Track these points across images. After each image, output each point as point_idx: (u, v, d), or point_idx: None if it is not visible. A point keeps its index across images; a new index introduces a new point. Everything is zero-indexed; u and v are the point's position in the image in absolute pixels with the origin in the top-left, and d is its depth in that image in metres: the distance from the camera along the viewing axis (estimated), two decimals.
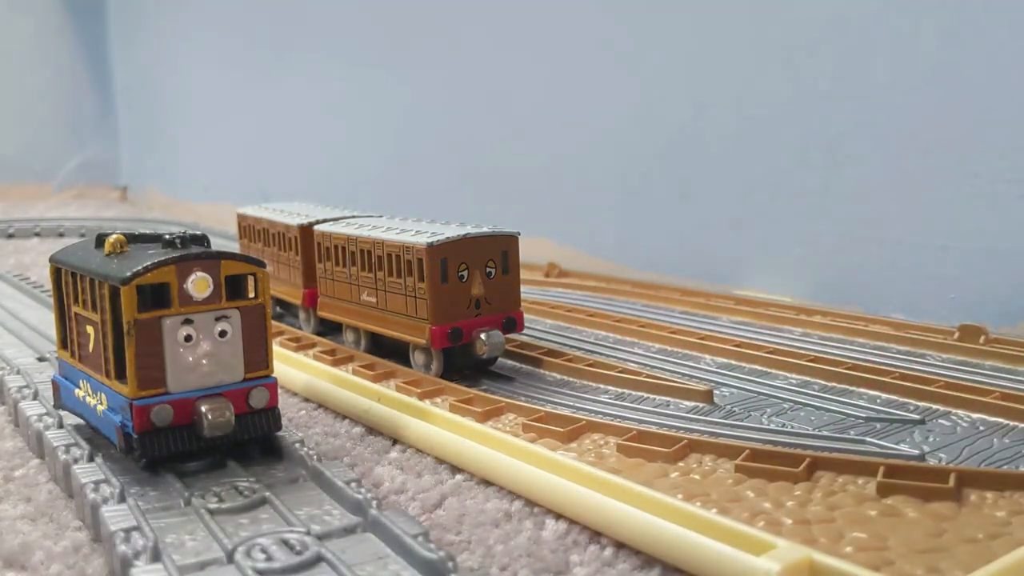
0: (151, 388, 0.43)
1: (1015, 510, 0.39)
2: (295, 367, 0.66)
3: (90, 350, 0.47)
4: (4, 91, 2.29)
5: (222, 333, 0.44)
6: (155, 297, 0.43)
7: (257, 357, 0.46)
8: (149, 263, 0.43)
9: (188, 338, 0.44)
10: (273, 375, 0.47)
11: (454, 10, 1.20)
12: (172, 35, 2.01)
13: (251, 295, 0.46)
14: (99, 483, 0.43)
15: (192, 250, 0.44)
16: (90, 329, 0.46)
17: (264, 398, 0.46)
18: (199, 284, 0.43)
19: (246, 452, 0.47)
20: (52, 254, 0.51)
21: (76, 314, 0.48)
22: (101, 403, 0.46)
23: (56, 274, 0.50)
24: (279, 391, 0.48)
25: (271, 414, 0.46)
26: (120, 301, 0.42)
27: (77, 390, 0.49)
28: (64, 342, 0.51)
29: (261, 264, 0.46)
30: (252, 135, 1.74)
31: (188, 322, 0.43)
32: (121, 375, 0.44)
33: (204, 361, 0.44)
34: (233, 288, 0.45)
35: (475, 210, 1.17)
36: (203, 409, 0.43)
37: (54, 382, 0.53)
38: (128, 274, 0.42)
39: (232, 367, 0.45)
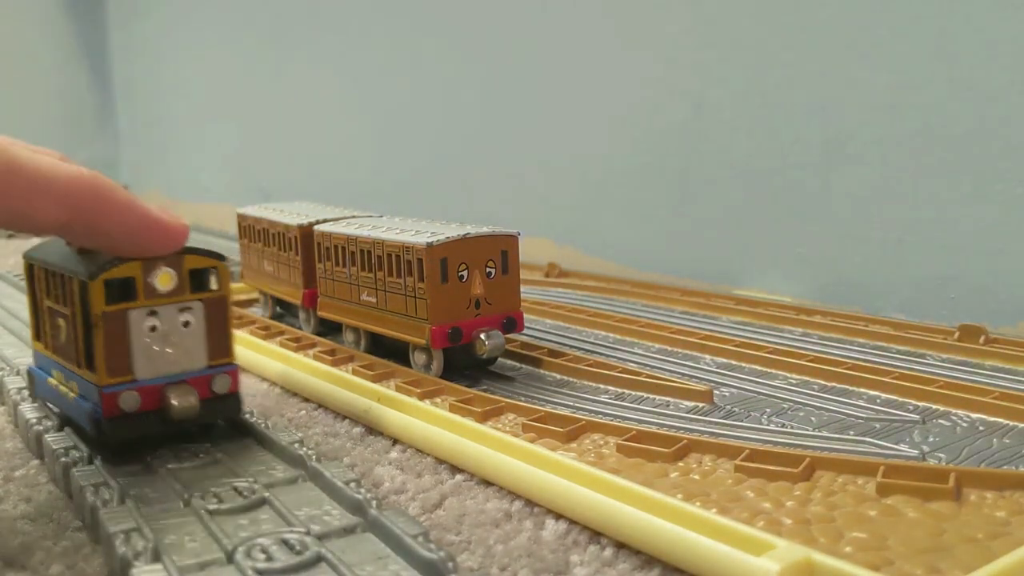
0: (119, 376, 0.45)
1: (1015, 510, 0.39)
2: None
3: (62, 341, 0.49)
4: (4, 91, 2.28)
5: (186, 323, 0.47)
6: (122, 291, 0.45)
7: (219, 345, 0.48)
8: (115, 259, 0.45)
9: (153, 328, 0.46)
10: (235, 362, 0.49)
11: (455, 10, 1.20)
12: (172, 35, 2.01)
13: (214, 287, 0.48)
14: (99, 485, 0.43)
15: None
16: (62, 321, 0.48)
17: (226, 384, 0.48)
18: (163, 278, 0.46)
19: (245, 452, 0.47)
20: (26, 251, 0.53)
21: (48, 307, 0.50)
22: (73, 391, 0.48)
23: (29, 270, 0.52)
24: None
25: (233, 399, 0.49)
26: (89, 295, 0.44)
27: (51, 379, 0.51)
28: (38, 334, 0.52)
29: (222, 258, 0.48)
30: (253, 135, 1.74)
31: (153, 314, 0.46)
32: (91, 364, 0.46)
33: (169, 350, 0.46)
34: (197, 281, 0.47)
35: (475, 210, 1.17)
36: (169, 396, 0.46)
37: (29, 372, 0.54)
38: (95, 269, 0.44)
39: (196, 355, 0.47)
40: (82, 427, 0.48)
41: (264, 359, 0.69)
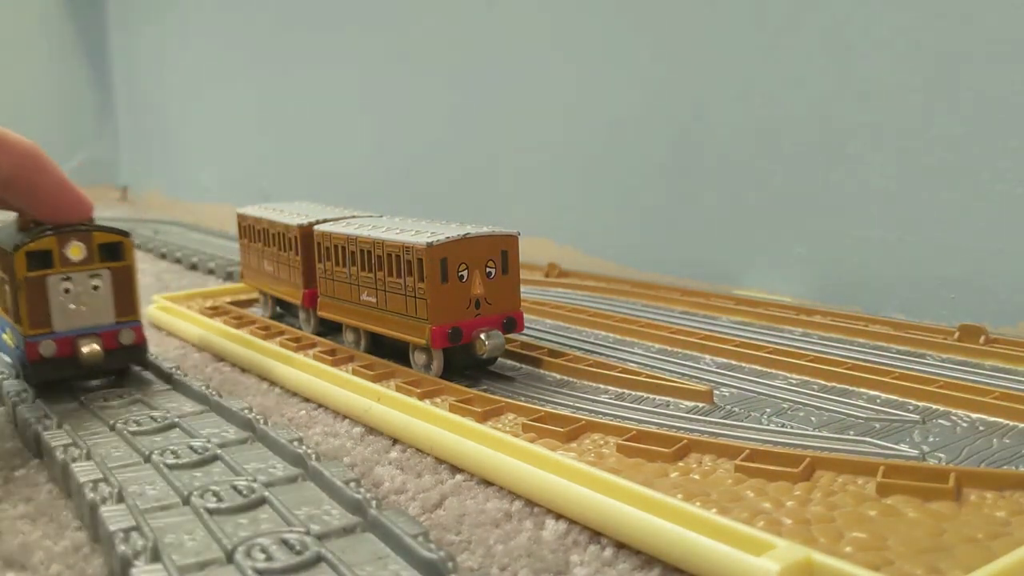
0: (40, 328, 0.57)
1: (1015, 510, 0.39)
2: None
3: (8, 303, 0.60)
4: (4, 91, 2.28)
5: (95, 287, 0.58)
6: (41, 260, 0.57)
7: (125, 305, 0.60)
8: (35, 234, 0.56)
9: (67, 291, 0.58)
10: (139, 319, 0.61)
11: (454, 11, 1.20)
12: (172, 36, 2.01)
13: (123, 259, 0.59)
14: (97, 482, 0.43)
15: (74, 225, 0.58)
16: (7, 287, 0.59)
17: (131, 336, 0.60)
18: (74, 250, 0.58)
19: (243, 451, 0.47)
20: None
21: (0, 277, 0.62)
22: (11, 342, 0.61)
23: None
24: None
25: (138, 348, 0.61)
26: (14, 264, 0.56)
27: (4, 335, 0.63)
28: None
29: (127, 235, 0.60)
30: (252, 135, 1.74)
31: (67, 279, 0.58)
32: (19, 319, 0.57)
33: (82, 308, 0.58)
34: (108, 253, 0.59)
35: (475, 210, 1.17)
36: (79, 344, 0.58)
37: None
38: (19, 243, 0.56)
39: (104, 313, 0.59)
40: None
41: (266, 359, 0.69)
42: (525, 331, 0.70)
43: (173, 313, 0.87)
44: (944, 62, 0.72)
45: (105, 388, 0.61)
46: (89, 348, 0.58)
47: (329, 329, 0.75)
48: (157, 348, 0.79)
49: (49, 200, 0.56)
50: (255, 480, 0.43)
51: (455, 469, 0.49)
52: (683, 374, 0.61)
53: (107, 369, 0.60)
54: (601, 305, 0.83)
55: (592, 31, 1.01)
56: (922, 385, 0.55)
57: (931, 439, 0.48)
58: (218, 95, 1.84)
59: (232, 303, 0.90)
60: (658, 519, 0.38)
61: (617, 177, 1.01)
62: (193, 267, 1.26)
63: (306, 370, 0.64)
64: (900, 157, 0.75)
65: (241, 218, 0.87)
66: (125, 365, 0.62)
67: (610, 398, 0.57)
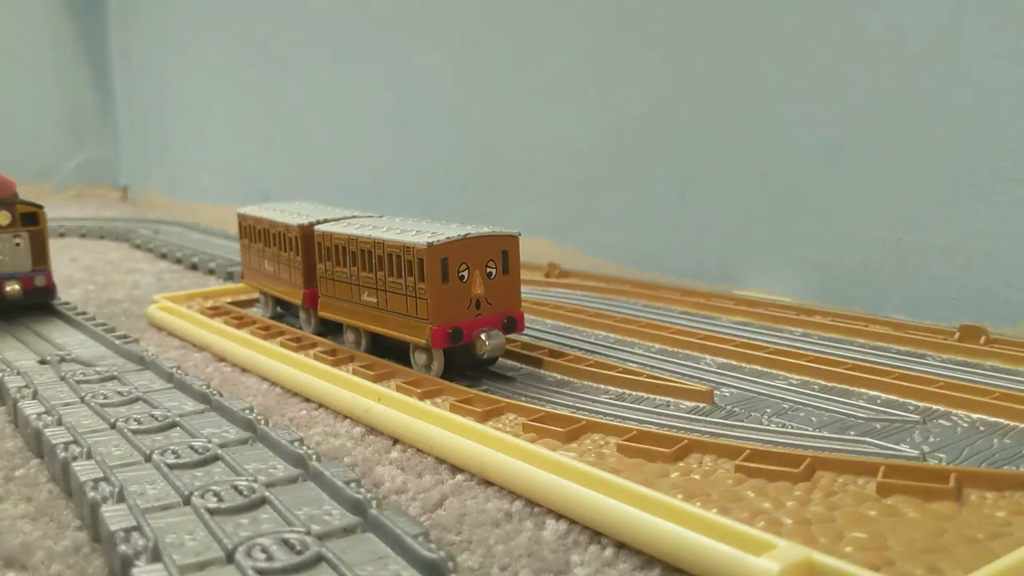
0: None
1: (1015, 510, 0.39)
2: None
3: None
4: (5, 91, 2.28)
5: (17, 244, 0.82)
6: None
7: (39, 258, 0.84)
8: None
9: None
10: (49, 269, 0.84)
11: (452, 11, 1.20)
12: (172, 35, 2.01)
13: (38, 224, 0.83)
14: (98, 481, 0.43)
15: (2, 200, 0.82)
16: None
17: (43, 280, 0.84)
18: (1, 217, 0.81)
19: (243, 451, 0.48)
20: None
21: None
22: None
23: None
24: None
25: (49, 290, 0.85)
26: None
27: None
28: None
29: (40, 207, 0.84)
30: (252, 135, 1.74)
31: None
32: None
33: (8, 259, 0.82)
34: (28, 220, 0.83)
35: (475, 210, 1.17)
36: (4, 284, 0.81)
37: None
38: None
39: (23, 263, 0.83)
40: None
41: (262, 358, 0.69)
42: (525, 331, 0.71)
43: (173, 313, 0.87)
44: (944, 61, 0.72)
45: (104, 383, 0.61)
46: (12, 287, 0.82)
47: (329, 329, 0.75)
48: (158, 348, 0.79)
49: None
50: (256, 480, 0.43)
51: (455, 469, 0.49)
52: (683, 374, 0.61)
53: (26, 303, 0.83)
54: (601, 305, 0.83)
55: (593, 31, 1.01)
56: (922, 385, 0.55)
57: (931, 439, 0.48)
58: (218, 95, 1.84)
59: (232, 303, 0.90)
60: (658, 519, 0.38)
61: (617, 177, 1.01)
62: (193, 267, 1.26)
63: (306, 370, 0.65)
64: (900, 157, 0.75)
65: (241, 218, 0.87)
66: (40, 301, 0.85)
67: (610, 398, 0.57)
